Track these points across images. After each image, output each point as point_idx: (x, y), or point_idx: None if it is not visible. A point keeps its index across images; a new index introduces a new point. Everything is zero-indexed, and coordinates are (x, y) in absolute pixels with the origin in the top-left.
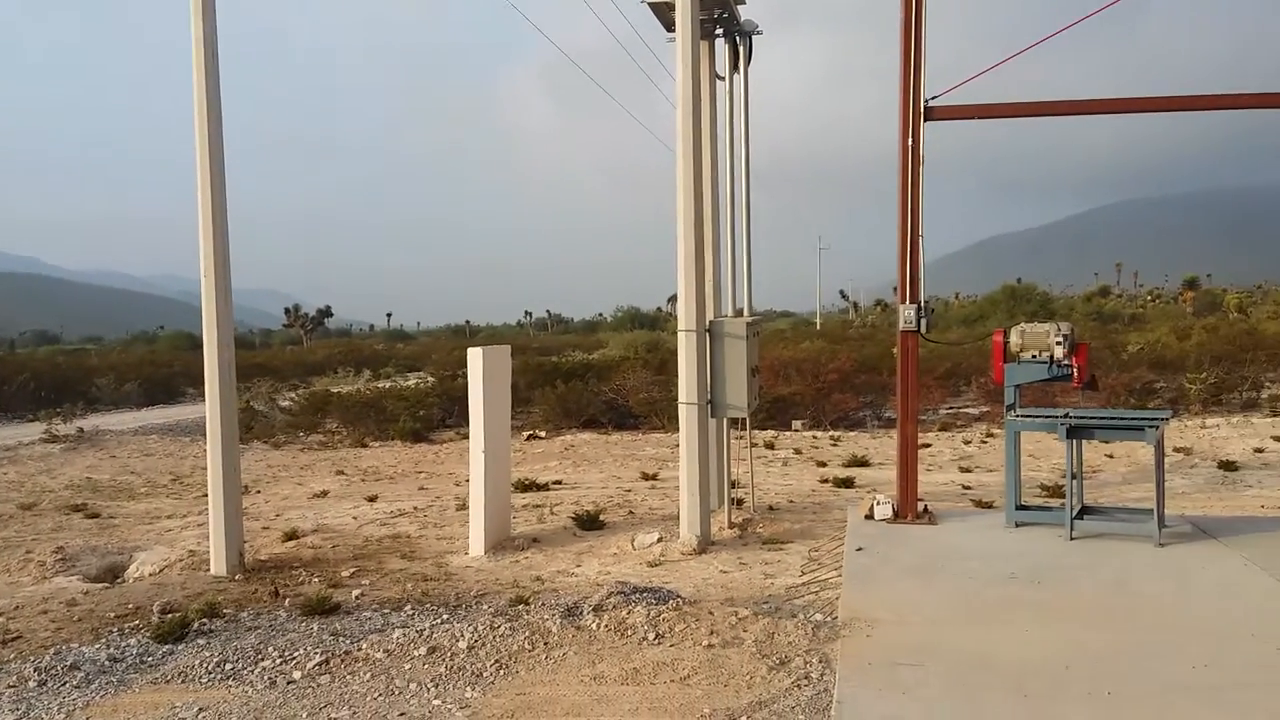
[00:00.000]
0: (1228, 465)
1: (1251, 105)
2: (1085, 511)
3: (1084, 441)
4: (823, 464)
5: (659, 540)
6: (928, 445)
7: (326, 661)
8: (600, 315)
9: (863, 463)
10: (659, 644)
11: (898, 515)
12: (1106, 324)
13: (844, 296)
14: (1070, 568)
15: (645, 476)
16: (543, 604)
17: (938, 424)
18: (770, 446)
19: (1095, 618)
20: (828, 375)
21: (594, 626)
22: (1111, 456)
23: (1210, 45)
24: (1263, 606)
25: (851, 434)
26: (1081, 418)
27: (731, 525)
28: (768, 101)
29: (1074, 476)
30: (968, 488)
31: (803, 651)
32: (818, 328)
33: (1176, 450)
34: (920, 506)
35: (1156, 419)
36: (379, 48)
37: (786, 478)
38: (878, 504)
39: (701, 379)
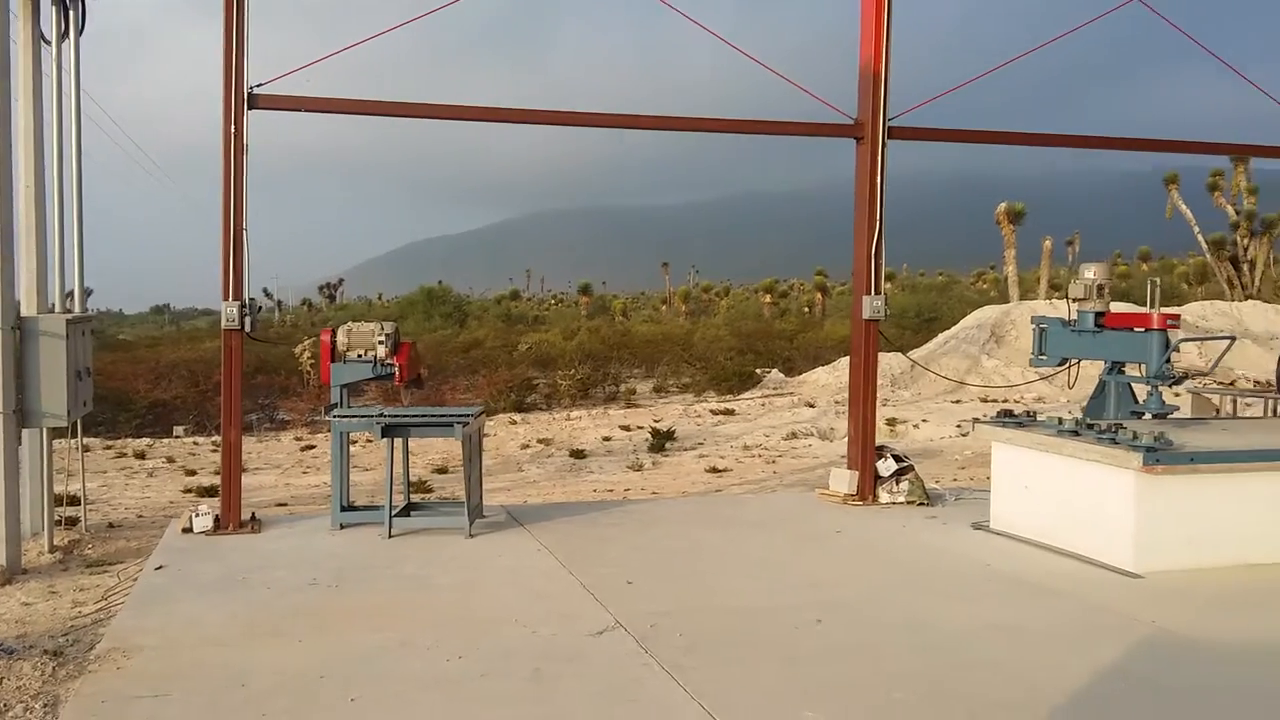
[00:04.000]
0: (578, 454)
1: (641, 126)
2: (411, 508)
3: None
4: (193, 473)
5: None
6: (313, 447)
7: None
8: None
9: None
10: None
11: (219, 526)
12: (513, 325)
13: (268, 295)
14: (378, 567)
15: None
16: None
17: (328, 425)
18: (141, 456)
19: (381, 618)
20: (216, 377)
21: None
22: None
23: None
24: (540, 590)
25: None
26: (395, 416)
27: (54, 549)
28: (185, 88)
29: (394, 474)
30: None
31: (29, 697)
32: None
33: (539, 441)
34: (248, 515)
35: (466, 415)
36: None
37: (148, 490)
38: (197, 516)
39: (7, 384)
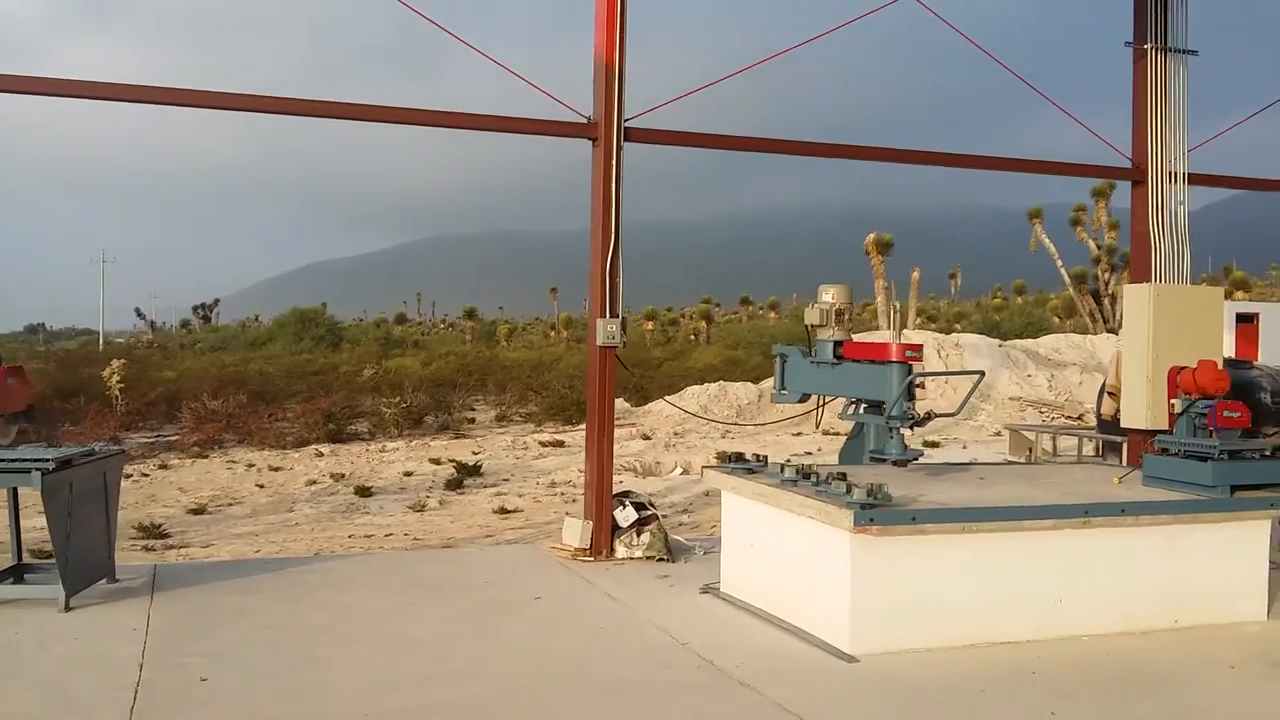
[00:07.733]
0: (363, 491)
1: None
2: (25, 570)
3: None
4: None
5: None
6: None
7: None
8: None
9: None
10: None
11: None
12: (391, 349)
13: (140, 315)
14: None
15: None
16: None
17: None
18: None
19: None
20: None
21: None
22: (262, 486)
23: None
24: (70, 695)
25: None
26: None
27: None
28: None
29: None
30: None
31: None
32: (100, 349)
33: (332, 476)
34: None
35: (45, 461)
36: None
37: None
38: None
39: None
